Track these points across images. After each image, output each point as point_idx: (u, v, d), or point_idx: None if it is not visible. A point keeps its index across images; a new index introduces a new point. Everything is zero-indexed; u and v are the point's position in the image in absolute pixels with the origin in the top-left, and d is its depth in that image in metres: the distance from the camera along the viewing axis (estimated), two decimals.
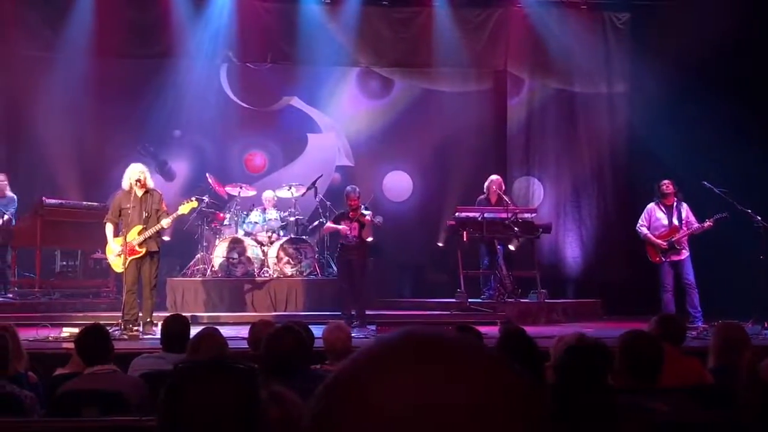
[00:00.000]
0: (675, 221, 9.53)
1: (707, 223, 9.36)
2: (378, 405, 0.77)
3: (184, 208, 8.59)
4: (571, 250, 12.15)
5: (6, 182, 10.64)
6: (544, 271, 11.07)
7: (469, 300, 10.16)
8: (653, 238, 9.55)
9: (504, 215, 10.19)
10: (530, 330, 4.80)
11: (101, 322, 7.46)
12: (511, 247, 10.89)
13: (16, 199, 10.58)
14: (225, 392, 1.41)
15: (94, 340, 4.29)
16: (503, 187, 10.66)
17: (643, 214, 9.75)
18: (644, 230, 9.66)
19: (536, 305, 10.27)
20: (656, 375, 3.78)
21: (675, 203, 9.56)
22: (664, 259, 9.50)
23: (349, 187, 9.66)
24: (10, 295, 10.19)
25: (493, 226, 10.16)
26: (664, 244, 9.47)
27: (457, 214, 10.32)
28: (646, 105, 11.80)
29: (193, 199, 8.87)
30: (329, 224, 9.87)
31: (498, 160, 12.27)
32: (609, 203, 12.22)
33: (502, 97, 12.53)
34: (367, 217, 9.39)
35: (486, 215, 10.16)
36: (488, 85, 12.86)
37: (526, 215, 10.53)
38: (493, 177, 10.66)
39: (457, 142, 12.48)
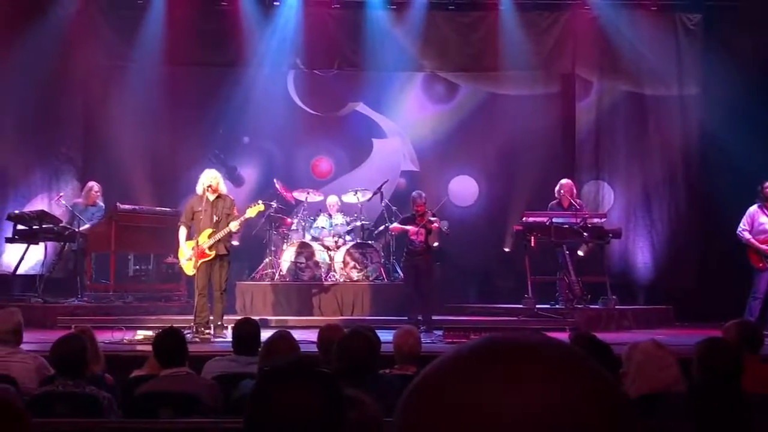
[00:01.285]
0: None
1: None
2: (465, 409, 0.76)
3: (252, 211, 8.73)
4: (642, 255, 11.91)
5: (99, 192, 10.97)
6: (614, 276, 10.88)
7: (537, 306, 10.04)
8: (758, 244, 9.27)
9: (573, 220, 10.05)
10: (600, 337, 4.72)
11: (174, 325, 7.66)
12: (580, 253, 10.73)
13: (103, 209, 10.89)
14: (311, 396, 1.42)
15: (170, 342, 4.38)
16: (574, 192, 10.52)
17: (744, 218, 9.46)
18: (747, 235, 9.37)
19: (606, 311, 10.09)
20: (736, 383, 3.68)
21: None
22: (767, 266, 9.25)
23: (415, 193, 9.66)
24: (86, 299, 10.46)
25: (561, 231, 10.03)
26: None
27: (524, 218, 10.22)
28: (719, 107, 11.50)
29: (260, 202, 9.00)
30: (397, 224, 9.88)
31: (566, 164, 12.12)
32: (681, 207, 11.94)
33: (570, 100, 12.37)
34: (435, 224, 9.36)
35: (554, 220, 10.04)
36: (556, 88, 12.73)
37: (596, 220, 10.36)
38: (564, 181, 10.53)
39: (523, 146, 12.37)
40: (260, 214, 9.25)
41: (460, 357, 0.81)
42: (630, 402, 0.80)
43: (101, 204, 10.97)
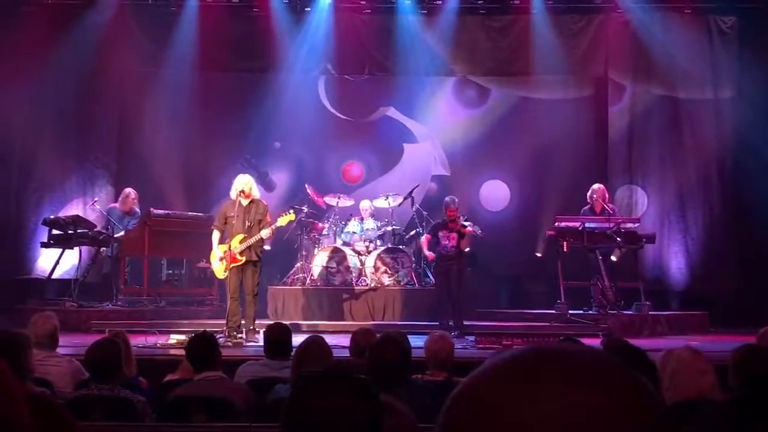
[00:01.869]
0: None
1: None
2: (510, 417, 0.77)
3: (282, 221, 8.76)
4: (677, 260, 11.77)
5: (136, 199, 11.08)
6: (648, 282, 10.78)
7: (570, 311, 9.97)
8: None
9: (606, 225, 9.97)
10: (633, 343, 4.67)
11: (206, 329, 7.71)
12: (613, 258, 10.63)
13: (140, 215, 11.01)
14: (350, 402, 1.42)
15: (203, 347, 4.40)
16: (607, 196, 10.44)
17: None
18: None
19: (639, 317, 9.99)
20: None
21: None
22: None
23: (447, 198, 9.64)
24: (120, 303, 10.57)
25: (594, 236, 9.95)
26: None
27: (556, 223, 10.15)
28: (753, 110, 11.35)
29: (291, 211, 9.04)
30: (425, 247, 9.85)
31: (599, 169, 12.02)
32: (716, 212, 11.78)
33: (603, 104, 12.28)
34: (469, 228, 9.34)
35: (587, 225, 9.96)
36: (588, 92, 12.65)
37: (629, 225, 10.27)
38: (596, 186, 10.45)
39: (555, 150, 12.29)
40: (291, 222, 9.29)
41: (505, 365, 0.81)
42: (670, 413, 0.80)
43: (137, 210, 11.08)
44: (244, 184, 8.56)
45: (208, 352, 4.38)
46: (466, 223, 9.44)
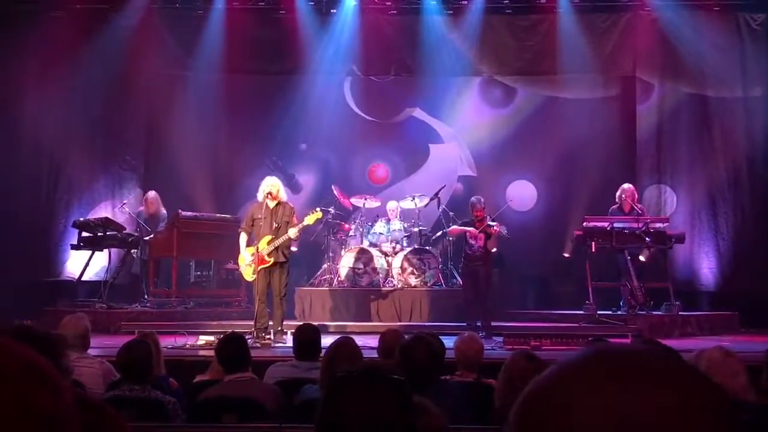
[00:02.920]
0: None
1: None
2: (579, 417, 0.78)
3: (310, 219, 8.78)
4: (707, 260, 11.65)
5: (156, 200, 11.16)
6: (678, 282, 10.68)
7: (598, 312, 9.91)
8: None
9: (635, 225, 9.90)
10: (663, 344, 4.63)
11: (234, 330, 7.75)
12: (642, 258, 10.55)
13: (166, 216, 11.09)
14: (384, 402, 1.43)
15: (234, 348, 4.43)
16: (636, 196, 10.37)
17: None
18: None
19: (669, 318, 9.91)
20: None
21: None
22: None
23: (474, 198, 9.63)
24: (149, 305, 10.67)
25: (623, 236, 9.88)
26: None
27: (584, 223, 10.09)
28: None
29: (318, 210, 9.06)
30: (455, 227, 9.86)
31: (627, 168, 11.94)
32: (747, 211, 11.64)
33: (631, 102, 12.20)
34: (495, 228, 9.32)
35: (616, 225, 9.90)
36: (616, 91, 12.57)
37: (658, 225, 10.18)
38: (626, 186, 10.37)
39: (583, 150, 12.23)
40: (318, 221, 9.32)
41: (573, 366, 0.82)
42: (735, 411, 0.81)
43: (163, 212, 11.16)
44: (271, 186, 8.60)
45: (239, 353, 4.41)
46: (493, 224, 9.42)
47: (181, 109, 12.16)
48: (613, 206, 10.34)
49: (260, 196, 8.67)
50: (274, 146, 12.83)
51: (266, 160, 12.54)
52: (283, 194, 8.81)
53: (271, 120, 12.61)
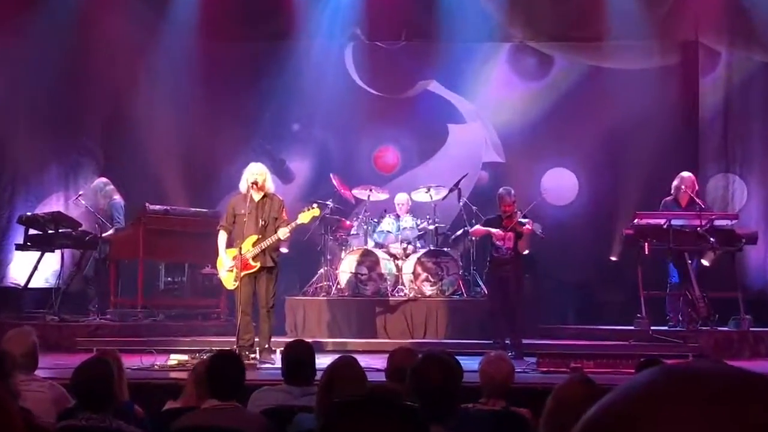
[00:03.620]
0: None
1: None
2: None
3: (304, 217, 8.77)
4: None
5: (111, 187, 11.14)
6: (748, 292, 10.65)
7: (653, 327, 9.89)
8: None
9: (697, 222, 9.86)
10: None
11: (213, 348, 7.76)
12: (705, 262, 10.52)
13: (122, 205, 11.09)
14: None
15: (230, 370, 4.41)
16: (696, 187, 10.33)
17: None
18: None
19: (738, 334, 9.87)
20: None
21: None
22: None
23: (502, 189, 9.58)
24: (110, 317, 10.67)
25: (682, 235, 9.85)
26: None
27: (636, 220, 10.06)
28: None
29: (315, 206, 9.05)
30: (479, 226, 9.85)
31: (687, 153, 11.91)
32: None
33: (693, 74, 12.16)
34: (527, 226, 9.28)
35: (673, 222, 9.87)
36: (674, 60, 12.52)
37: (725, 222, 10.15)
38: (684, 174, 10.34)
39: (634, 132, 12.18)
40: (314, 219, 9.30)
41: (645, 389, 0.83)
42: None
43: (117, 199, 11.11)
44: (256, 174, 8.59)
45: (236, 376, 4.40)
46: (524, 221, 9.40)
47: (150, 82, 12.16)
48: (667, 198, 10.30)
49: (243, 186, 8.66)
50: (260, 127, 12.83)
51: (251, 144, 12.54)
52: (271, 184, 8.80)
53: (257, 95, 12.60)
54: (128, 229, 10.89)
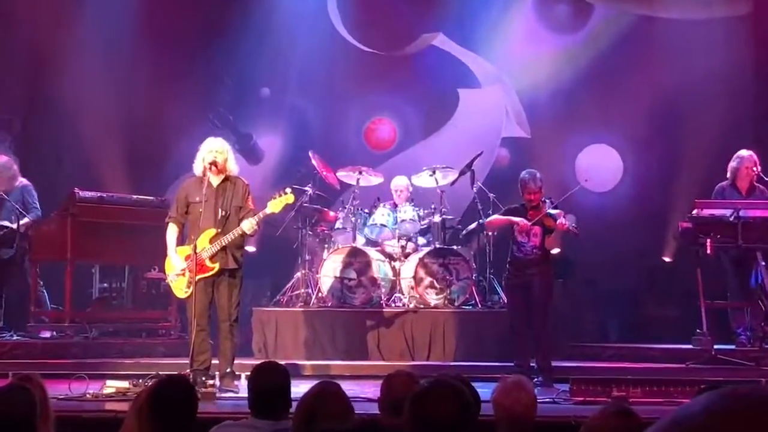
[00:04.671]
0: None
1: None
2: None
3: (275, 205, 8.74)
4: None
5: (17, 167, 11.10)
6: None
7: (716, 347, 9.91)
8: None
9: (766, 212, 9.89)
10: None
11: (160, 372, 7.75)
12: None
13: (32, 191, 11.05)
14: None
15: (177, 399, 4.40)
16: (759, 168, 10.34)
17: None
18: None
19: None
20: None
21: None
22: None
23: (526, 173, 9.50)
24: (30, 333, 10.66)
25: (753, 229, 9.87)
26: None
27: (695, 211, 10.08)
28: None
29: (288, 190, 9.02)
30: (497, 216, 9.78)
31: (759, 125, 11.94)
32: None
33: (765, 27, 12.18)
34: (560, 221, 9.23)
35: (741, 213, 9.88)
36: (743, 9, 12.56)
37: None
38: (744, 153, 10.35)
39: (694, 99, 12.22)
40: (288, 207, 9.27)
41: (697, 421, 0.85)
42: None
43: (24, 182, 11.07)
44: (215, 152, 8.57)
45: (185, 408, 4.39)
46: (554, 212, 9.37)
47: (80, 39, 12.14)
48: (723, 183, 10.31)
49: (198, 167, 8.63)
50: (221, 93, 12.82)
51: (209, 114, 12.54)
52: (234, 165, 8.77)
53: (216, 53, 12.59)
54: (52, 222, 10.86)
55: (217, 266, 8.54)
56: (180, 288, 8.73)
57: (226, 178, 8.64)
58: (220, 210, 8.55)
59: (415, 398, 3.54)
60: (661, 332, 11.48)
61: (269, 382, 4.95)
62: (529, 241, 9.33)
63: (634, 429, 3.24)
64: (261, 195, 9.26)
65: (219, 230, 8.53)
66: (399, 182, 11.64)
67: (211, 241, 8.52)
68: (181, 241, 8.79)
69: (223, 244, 8.50)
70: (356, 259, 11.09)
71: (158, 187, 11.70)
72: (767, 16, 12.27)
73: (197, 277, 8.51)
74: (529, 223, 9.25)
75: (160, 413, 4.34)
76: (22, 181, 11.10)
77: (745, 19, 12.55)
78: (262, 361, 6.18)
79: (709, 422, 0.85)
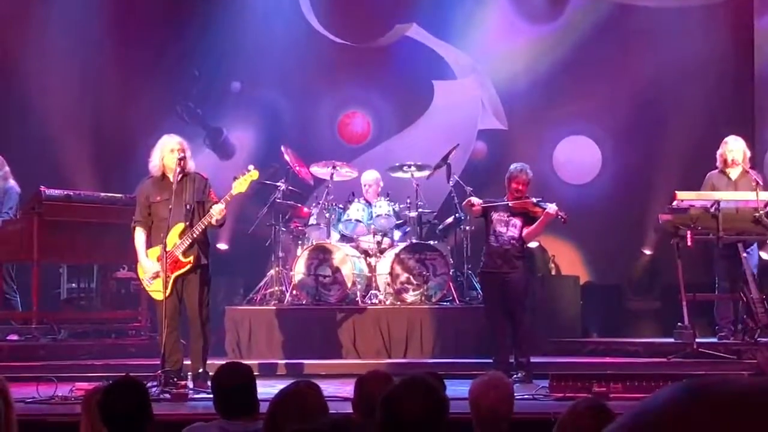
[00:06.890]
0: None
1: None
2: None
3: (241, 185, 8.67)
4: None
5: (7, 168, 11.05)
6: None
7: (698, 340, 9.94)
8: None
9: (754, 204, 9.91)
10: None
11: (131, 373, 7.72)
12: (766, 256, 10.59)
13: (16, 193, 11.01)
14: None
15: (124, 403, 4.39)
16: (747, 157, 10.37)
17: None
18: None
19: None
20: None
21: None
22: None
23: (517, 166, 9.31)
24: None
25: (734, 220, 9.90)
26: None
27: (675, 203, 10.10)
28: None
29: (251, 167, 8.94)
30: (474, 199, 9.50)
31: (738, 115, 11.99)
32: None
33: (746, 15, 12.24)
34: (549, 207, 9.03)
35: (722, 204, 9.90)
36: None
37: None
38: (730, 140, 10.37)
39: (672, 89, 12.27)
40: (252, 184, 9.12)
41: (666, 411, 0.87)
42: None
43: (12, 184, 11.06)
44: (179, 147, 8.53)
45: (134, 411, 4.37)
46: (542, 203, 9.17)
47: (43, 29, 12.08)
48: (712, 171, 10.33)
49: (156, 165, 8.57)
50: (189, 86, 12.78)
51: (177, 108, 12.50)
52: (191, 162, 8.72)
53: (184, 45, 12.55)
54: (18, 222, 10.81)
55: (191, 260, 8.50)
56: (158, 290, 8.67)
57: (185, 175, 8.59)
58: (185, 205, 8.52)
59: (386, 398, 3.53)
60: (642, 326, 11.51)
61: (232, 383, 4.94)
62: (507, 231, 9.26)
63: (608, 424, 3.24)
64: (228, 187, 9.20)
65: (188, 224, 8.50)
66: (368, 177, 11.64)
67: (181, 236, 8.48)
68: (149, 244, 8.73)
69: (194, 235, 8.47)
70: (331, 256, 11.08)
71: (126, 185, 11.59)
72: (742, 6, 12.30)
73: (174, 275, 8.49)
74: (506, 217, 9.16)
75: (110, 418, 4.33)
76: (10, 182, 11.06)
77: (723, 8, 12.61)
78: (227, 362, 6.16)
79: (672, 417, 0.84)
